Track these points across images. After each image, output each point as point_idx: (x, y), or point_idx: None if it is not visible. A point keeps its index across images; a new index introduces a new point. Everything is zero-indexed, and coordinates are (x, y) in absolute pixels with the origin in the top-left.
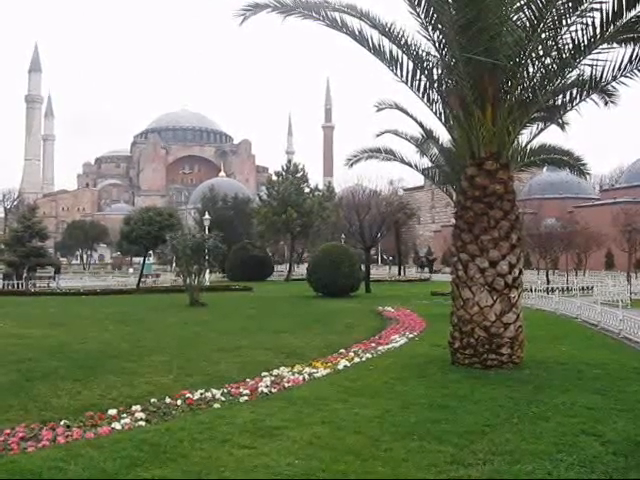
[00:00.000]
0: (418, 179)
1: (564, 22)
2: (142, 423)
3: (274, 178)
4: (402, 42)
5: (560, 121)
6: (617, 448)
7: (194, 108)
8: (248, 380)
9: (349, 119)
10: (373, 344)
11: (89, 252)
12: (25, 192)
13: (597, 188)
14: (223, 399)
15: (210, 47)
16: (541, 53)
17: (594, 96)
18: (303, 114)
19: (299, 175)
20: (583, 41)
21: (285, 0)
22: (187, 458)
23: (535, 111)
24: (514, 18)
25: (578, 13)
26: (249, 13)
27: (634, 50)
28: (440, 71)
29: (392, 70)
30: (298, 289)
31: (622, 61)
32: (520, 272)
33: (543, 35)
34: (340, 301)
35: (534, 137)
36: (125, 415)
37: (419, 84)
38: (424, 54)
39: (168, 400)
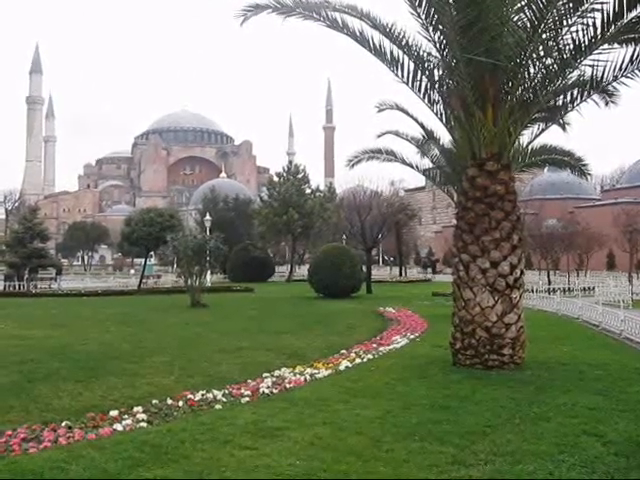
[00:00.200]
0: (419, 180)
1: (565, 23)
2: (143, 424)
3: (275, 179)
4: (403, 43)
5: (561, 121)
6: (618, 449)
7: (195, 109)
8: (249, 381)
9: (350, 120)
10: (374, 345)
11: (90, 253)
12: (26, 193)
13: (598, 188)
14: (224, 400)
15: (211, 48)
16: (542, 54)
17: (595, 96)
18: (304, 115)
19: (300, 176)
20: (584, 41)
21: (285, 1)
22: (188, 459)
23: (536, 112)
24: (515, 19)
25: (579, 14)
26: (250, 14)
27: (635, 50)
28: (441, 72)
29: (393, 71)
30: (299, 290)
31: (623, 61)
32: (521, 273)
33: (544, 36)
34: (341, 302)
35: (535, 138)
36: (126, 416)
37: (420, 85)
38: (425, 55)
39: (169, 401)
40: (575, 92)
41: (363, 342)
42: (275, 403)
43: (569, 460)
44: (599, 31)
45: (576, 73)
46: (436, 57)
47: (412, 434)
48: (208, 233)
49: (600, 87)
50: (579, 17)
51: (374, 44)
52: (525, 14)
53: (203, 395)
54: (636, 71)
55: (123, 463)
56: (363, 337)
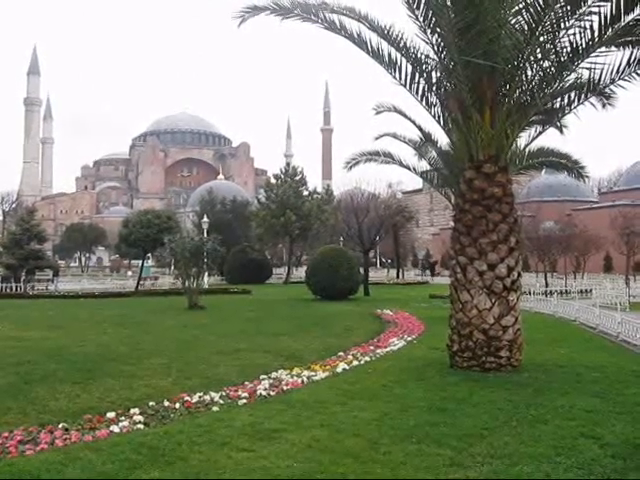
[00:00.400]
0: (417, 182)
1: (562, 25)
2: (141, 426)
3: (273, 181)
4: (401, 45)
5: (558, 124)
6: (616, 451)
7: (193, 111)
8: (247, 383)
9: (348, 122)
10: (372, 347)
11: (87, 255)
12: (24, 195)
13: (595, 191)
14: (222, 402)
15: (209, 50)
16: (539, 56)
17: (592, 99)
18: (302, 117)
19: (298, 178)
20: (581, 44)
21: (283, 2)
22: (186, 461)
23: (533, 114)
24: (512, 21)
25: (576, 17)
26: (248, 15)
27: (632, 53)
28: (439, 74)
29: (391, 73)
30: (297, 292)
31: (620, 64)
32: (519, 275)
33: (541, 38)
34: (339, 304)
35: (532, 140)
36: (124, 418)
37: (418, 87)
38: (423, 57)
39: (167, 403)
40: (572, 95)
41: (360, 344)
42: (272, 405)
43: (566, 462)
44: (596, 34)
45: (573, 76)
46: (434, 59)
47: (409, 436)
48: (205, 235)
49: (597, 90)
50: (576, 20)
51: (372, 46)
52: (523, 17)
53: (200, 397)
54: (633, 74)
55: (120, 465)
56: (360, 339)
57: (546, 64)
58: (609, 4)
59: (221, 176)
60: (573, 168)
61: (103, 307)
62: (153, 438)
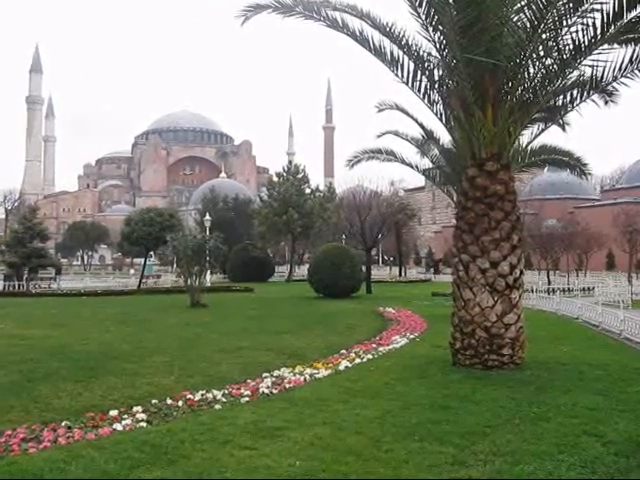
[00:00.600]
0: (419, 180)
1: (565, 23)
2: (143, 424)
3: (275, 179)
4: (403, 43)
5: (561, 122)
6: (618, 449)
7: (195, 109)
8: (249, 381)
9: (350, 120)
10: (374, 345)
11: (90, 253)
12: (26, 193)
13: (598, 189)
14: (224, 400)
15: (211, 48)
16: (542, 54)
17: (595, 96)
18: (304, 115)
19: (300, 176)
20: (584, 42)
21: (286, 0)
22: (188, 459)
23: (536, 112)
24: (515, 19)
25: (579, 14)
26: (250, 14)
27: (635, 50)
28: (441, 72)
29: (393, 71)
30: (299, 290)
31: (623, 61)
32: (521, 273)
33: (544, 36)
34: (341, 302)
35: (535, 138)
36: (126, 416)
37: (420, 85)
38: (425, 55)
39: (169, 401)
40: (575, 92)
41: (363, 342)
42: (275, 403)
43: (569, 460)
44: (599, 31)
45: (576, 73)
46: (436, 57)
47: (412, 434)
48: (208, 233)
49: (600, 87)
50: (579, 17)
51: (374, 44)
52: (525, 14)
53: (203, 395)
54: (636, 71)
55: (123, 463)
56: (363, 337)
57: (548, 61)
58: (612, 1)
59: (223, 174)
60: (576, 166)
61: (105, 305)
62: (156, 436)
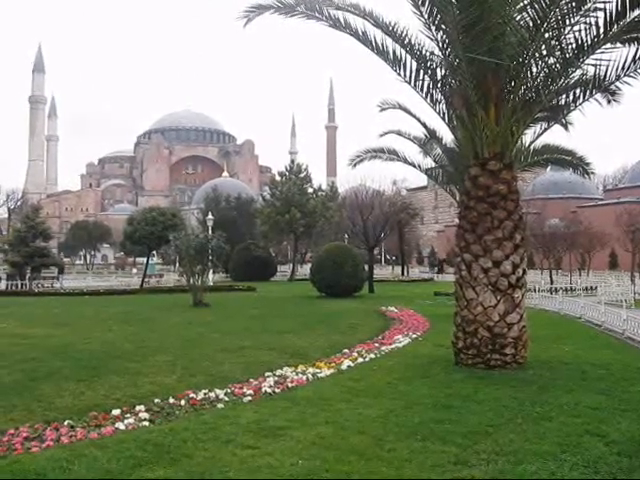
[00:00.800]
0: (421, 179)
1: (567, 22)
2: (146, 423)
3: (277, 178)
4: (405, 42)
5: (564, 121)
6: (621, 448)
7: (197, 108)
8: (252, 380)
9: (352, 119)
10: (377, 344)
11: (92, 252)
12: (29, 192)
13: (601, 188)
14: (227, 399)
15: (213, 47)
16: (544, 53)
17: (597, 95)
18: (306, 114)
19: (302, 175)
20: (587, 41)
21: (287, 0)
22: (191, 458)
23: (539, 111)
24: (517, 18)
25: (582, 13)
26: (253, 15)
27: (638, 50)
28: (443, 71)
29: (395, 70)
30: (301, 289)
31: (626, 61)
32: (524, 272)
33: (546, 35)
34: (343, 301)
35: (538, 137)
36: (129, 415)
37: (422, 84)
38: (428, 54)
39: (172, 400)
40: (578, 91)
41: (365, 341)
42: (277, 402)
43: (572, 460)
44: (602, 30)
45: (579, 72)
46: (438, 56)
47: (414, 433)
48: (210, 232)
49: (603, 86)
50: (582, 16)
51: (376, 43)
52: (528, 13)
53: (205, 394)
54: (639, 70)
55: (125, 462)
56: (365, 336)
57: (551, 61)
58: (614, 0)
59: (226, 173)
60: (578, 165)
61: (108, 304)
62: (158, 435)
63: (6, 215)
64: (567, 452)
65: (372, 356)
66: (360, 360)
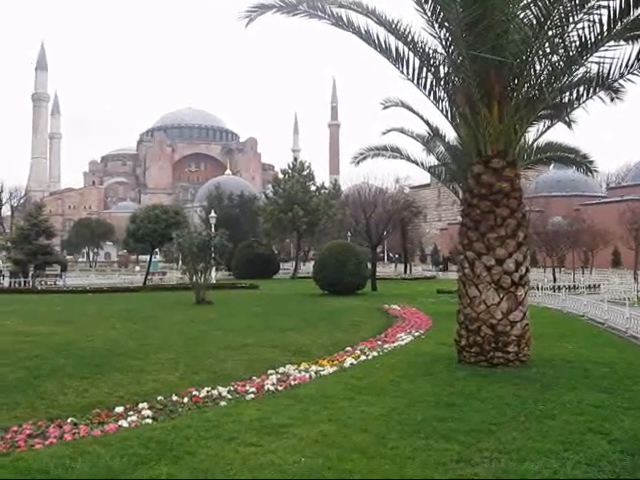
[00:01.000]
0: (424, 177)
1: (571, 19)
2: (149, 421)
3: (280, 176)
4: (408, 39)
5: (567, 119)
6: (624, 447)
7: (200, 106)
8: (254, 378)
9: (355, 117)
10: (379, 342)
11: (95, 250)
12: (32, 190)
13: (604, 186)
14: (229, 397)
15: (216, 45)
16: (548, 50)
17: (601, 93)
18: (309, 112)
19: (305, 173)
20: (590, 38)
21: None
22: (194, 456)
23: (542, 109)
24: (521, 15)
25: (585, 10)
26: (254, 15)
27: None
28: (446, 69)
29: (398, 68)
30: (304, 287)
31: (629, 58)
32: (527, 270)
33: (550, 32)
34: (346, 299)
35: (541, 135)
36: (132, 413)
37: (425, 82)
38: (430, 51)
39: (175, 398)
40: (581, 89)
41: (368, 339)
42: (280, 400)
43: (574, 458)
44: (605, 28)
45: (582, 70)
46: (442, 54)
47: (417, 431)
48: (213, 230)
49: (606, 84)
50: (585, 14)
51: (379, 41)
52: (531, 11)
53: (208, 392)
54: None
55: (128, 460)
56: (368, 334)
57: (555, 58)
58: None
59: (228, 171)
60: (581, 163)
61: (111, 302)
62: (161, 433)
63: (9, 213)
64: (570, 450)
65: (375, 354)
66: (363, 358)
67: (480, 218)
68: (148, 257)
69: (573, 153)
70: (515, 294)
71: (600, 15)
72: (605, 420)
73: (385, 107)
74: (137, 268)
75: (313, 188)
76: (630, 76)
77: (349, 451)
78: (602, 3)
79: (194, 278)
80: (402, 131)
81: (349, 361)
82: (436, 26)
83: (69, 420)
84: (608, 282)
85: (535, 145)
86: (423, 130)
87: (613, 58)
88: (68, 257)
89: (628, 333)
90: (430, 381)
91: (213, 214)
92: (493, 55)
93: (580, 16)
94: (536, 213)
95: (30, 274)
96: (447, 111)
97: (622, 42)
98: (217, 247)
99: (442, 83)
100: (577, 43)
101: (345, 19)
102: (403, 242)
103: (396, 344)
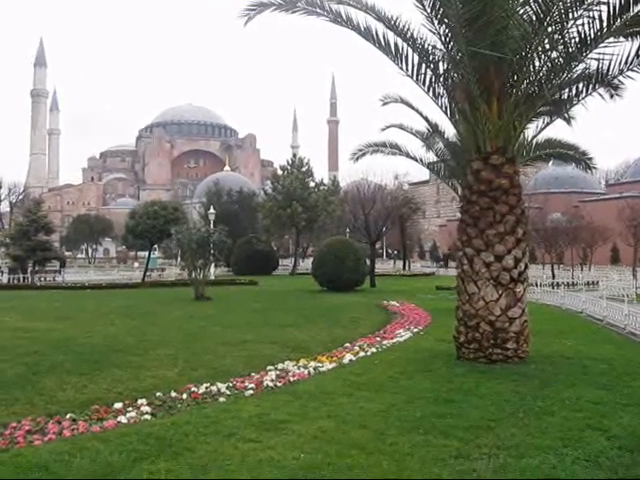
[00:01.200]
0: (423, 173)
1: (570, 15)
2: (148, 417)
3: (279, 172)
4: (408, 36)
5: (566, 115)
6: (623, 443)
7: (199, 102)
8: (253, 374)
9: (354, 113)
10: (378, 338)
11: (94, 246)
12: (30, 186)
13: (603, 182)
14: (228, 393)
15: (215, 41)
16: (547, 47)
17: (600, 90)
18: (308, 108)
19: (304, 169)
20: (589, 35)
21: None
22: (193, 452)
23: (541, 105)
24: (520, 12)
25: (585, 6)
26: (253, 13)
27: None
28: (446, 65)
29: (397, 64)
30: (303, 283)
31: (629, 55)
32: (525, 266)
33: (549, 29)
34: (345, 295)
35: (540, 131)
36: (131, 409)
37: (425, 78)
38: (430, 48)
39: (174, 394)
40: (580, 85)
41: (367, 335)
42: (279, 396)
43: (573, 454)
44: (605, 24)
45: (581, 66)
46: (441, 50)
47: (416, 427)
48: (212, 226)
49: (605, 81)
50: (585, 10)
51: (378, 37)
52: (531, 7)
53: (207, 388)
54: None
55: (127, 456)
56: (367, 330)
57: (554, 55)
58: None
59: (227, 167)
60: (581, 159)
61: (110, 298)
62: (160, 429)
63: (8, 209)
64: (569, 446)
65: (374, 350)
66: (362, 354)
67: (479, 214)
68: (147, 253)
69: (572, 150)
70: (514, 290)
71: (600, 11)
72: (604, 416)
73: (384, 103)
74: (136, 264)
75: (312, 184)
76: (629, 73)
77: (348, 447)
78: None
79: (193, 274)
80: (401, 127)
81: (348, 357)
82: (435, 22)
83: (68, 416)
84: (607, 279)
85: (534, 141)
86: (422, 126)
87: (612, 55)
88: (67, 253)
89: (627, 330)
90: (429, 377)
91: (212, 210)
92: (492, 51)
93: (580, 12)
94: (535, 210)
95: (29, 270)
96: (446, 107)
97: (621, 39)
98: (216, 243)
99: (441, 79)
100: (576, 39)
101: (344, 15)
102: (402, 238)
103: (395, 340)
